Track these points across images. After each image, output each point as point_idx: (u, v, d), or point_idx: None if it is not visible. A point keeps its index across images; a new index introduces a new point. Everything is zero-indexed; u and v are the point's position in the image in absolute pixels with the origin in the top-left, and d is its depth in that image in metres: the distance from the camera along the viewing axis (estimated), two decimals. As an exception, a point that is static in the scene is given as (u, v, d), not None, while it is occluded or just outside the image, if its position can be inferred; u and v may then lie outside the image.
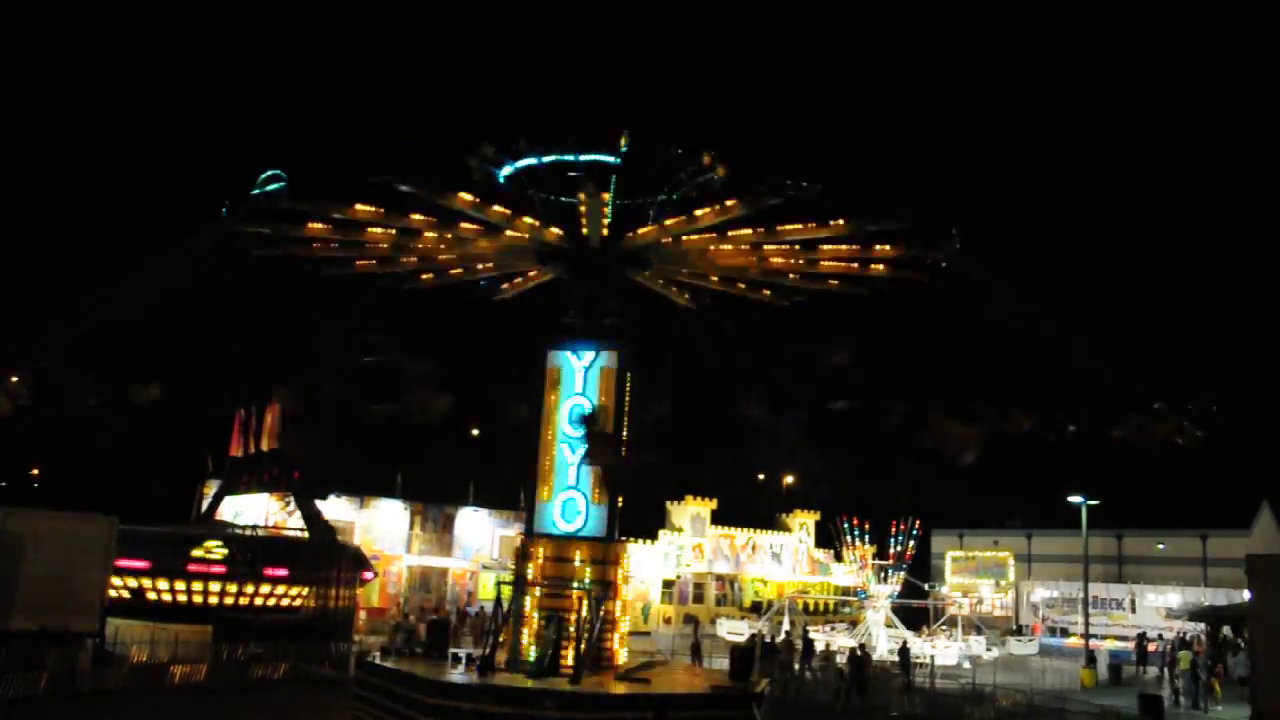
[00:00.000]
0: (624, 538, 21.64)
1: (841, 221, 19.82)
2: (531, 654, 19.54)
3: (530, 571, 20.14)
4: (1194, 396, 19.35)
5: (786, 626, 42.78)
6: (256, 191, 19.47)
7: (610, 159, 19.93)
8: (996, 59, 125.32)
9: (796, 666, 32.55)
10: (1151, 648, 45.25)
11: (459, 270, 23.17)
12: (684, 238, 20.95)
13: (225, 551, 32.47)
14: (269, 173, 19.42)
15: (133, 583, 31.38)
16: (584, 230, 20.70)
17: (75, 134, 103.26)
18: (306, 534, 37.16)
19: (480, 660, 19.21)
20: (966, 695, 29.21)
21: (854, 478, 60.71)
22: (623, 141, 19.67)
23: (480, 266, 23.11)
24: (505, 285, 24.01)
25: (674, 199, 20.56)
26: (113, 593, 29.21)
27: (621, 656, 20.80)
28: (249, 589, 32.50)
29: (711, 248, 21.17)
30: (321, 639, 31.82)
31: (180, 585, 31.66)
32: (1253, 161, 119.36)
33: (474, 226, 20.79)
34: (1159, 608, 57.72)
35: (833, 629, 46.43)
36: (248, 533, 36.87)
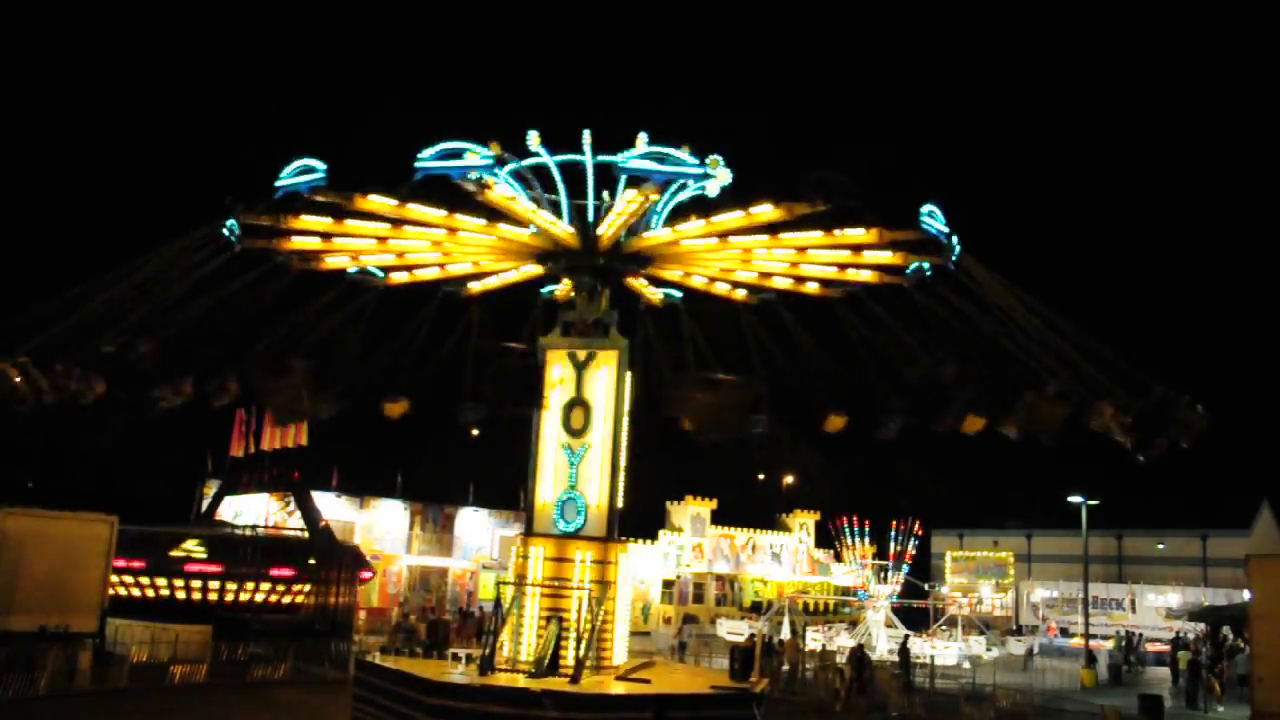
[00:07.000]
0: (624, 538, 21.58)
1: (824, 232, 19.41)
2: (531, 654, 19.53)
3: (530, 571, 20.11)
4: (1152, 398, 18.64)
5: (787, 626, 42.83)
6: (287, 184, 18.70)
7: (597, 158, 19.82)
8: (981, 59, 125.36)
9: (798, 667, 32.60)
10: (1149, 647, 45.32)
11: (438, 273, 22.92)
12: (683, 234, 20.73)
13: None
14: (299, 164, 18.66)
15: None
16: (558, 232, 20.47)
17: (68, 133, 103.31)
18: (306, 534, 37.24)
19: (480, 660, 19.20)
20: (966, 695, 29.23)
21: (854, 477, 60.82)
22: (586, 139, 19.45)
23: (475, 266, 22.90)
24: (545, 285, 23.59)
25: (679, 201, 20.36)
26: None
27: (621, 657, 20.77)
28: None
29: (708, 248, 20.94)
30: (321, 639, 31.86)
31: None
32: (1257, 161, 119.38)
33: (467, 225, 20.55)
34: (1159, 608, 57.77)
35: (832, 629, 46.44)
36: (248, 533, 36.93)
